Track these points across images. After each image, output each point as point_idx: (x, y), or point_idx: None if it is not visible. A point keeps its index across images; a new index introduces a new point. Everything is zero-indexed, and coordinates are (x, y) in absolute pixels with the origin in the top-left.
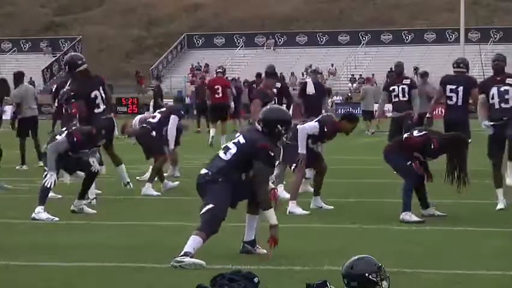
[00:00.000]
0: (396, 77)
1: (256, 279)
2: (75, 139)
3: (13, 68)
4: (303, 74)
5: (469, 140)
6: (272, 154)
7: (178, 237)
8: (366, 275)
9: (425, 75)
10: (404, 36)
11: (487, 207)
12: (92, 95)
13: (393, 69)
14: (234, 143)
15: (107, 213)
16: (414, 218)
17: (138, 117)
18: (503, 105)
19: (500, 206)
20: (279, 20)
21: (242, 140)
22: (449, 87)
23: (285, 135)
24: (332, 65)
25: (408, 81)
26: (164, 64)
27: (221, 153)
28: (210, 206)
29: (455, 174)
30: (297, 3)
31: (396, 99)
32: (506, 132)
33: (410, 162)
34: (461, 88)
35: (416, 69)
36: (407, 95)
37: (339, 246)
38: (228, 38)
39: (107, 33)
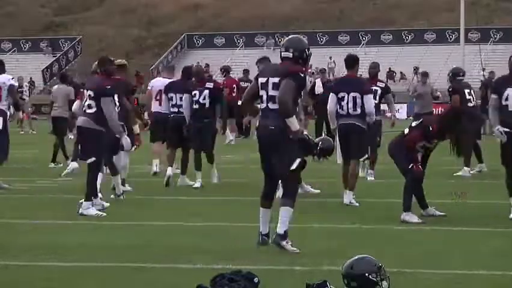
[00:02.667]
0: (370, 79)
1: (256, 279)
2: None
3: (13, 68)
4: None
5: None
6: (302, 75)
7: (178, 237)
8: (366, 275)
9: (425, 75)
10: (404, 36)
11: (487, 207)
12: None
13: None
14: (272, 89)
15: (107, 213)
16: (415, 219)
17: None
18: None
19: None
20: (279, 20)
21: (276, 80)
22: None
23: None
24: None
25: (382, 85)
26: (164, 64)
27: (270, 105)
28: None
29: (459, 147)
30: (297, 3)
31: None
32: None
33: (411, 164)
34: None
35: (416, 69)
36: (377, 98)
37: (339, 246)
38: (228, 38)
39: (107, 33)
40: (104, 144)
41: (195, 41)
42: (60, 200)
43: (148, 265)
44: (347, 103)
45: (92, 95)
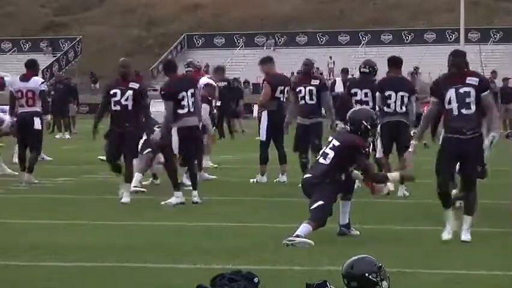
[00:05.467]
0: (303, 77)
1: (256, 279)
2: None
3: (13, 68)
4: None
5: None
6: (366, 149)
7: (178, 237)
8: (366, 275)
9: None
10: (404, 36)
11: (487, 207)
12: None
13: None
14: (330, 148)
15: (107, 213)
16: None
17: None
18: (463, 111)
19: (445, 236)
20: (279, 20)
21: (336, 143)
22: None
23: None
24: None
25: (317, 82)
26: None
27: (321, 159)
28: (320, 202)
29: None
30: (297, 3)
31: (303, 102)
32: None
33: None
34: None
35: (416, 69)
36: (315, 98)
37: (339, 246)
38: (228, 38)
39: (107, 33)
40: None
41: (195, 41)
42: (60, 200)
43: (148, 265)
44: (395, 102)
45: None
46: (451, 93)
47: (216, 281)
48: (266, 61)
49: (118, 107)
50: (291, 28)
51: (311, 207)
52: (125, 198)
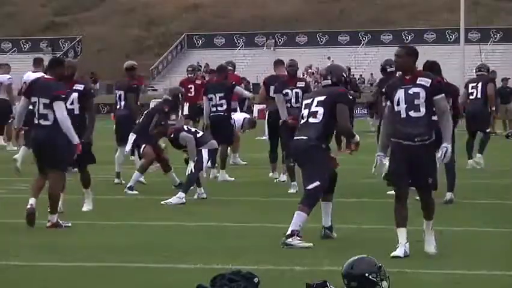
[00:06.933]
0: (290, 79)
1: (256, 279)
2: None
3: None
4: (303, 74)
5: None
6: (350, 96)
7: (178, 237)
8: (366, 275)
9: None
10: (404, 36)
11: (487, 207)
12: None
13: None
14: (316, 106)
15: (107, 213)
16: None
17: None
18: (412, 113)
19: (398, 252)
20: (279, 20)
21: (321, 98)
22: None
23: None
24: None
25: (302, 84)
26: (164, 64)
27: (311, 119)
28: (317, 183)
29: None
30: (297, 3)
31: (288, 105)
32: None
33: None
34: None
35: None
36: (300, 101)
37: (339, 246)
38: (228, 38)
39: (107, 33)
40: None
41: (195, 41)
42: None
43: (148, 265)
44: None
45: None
46: (399, 94)
47: (216, 281)
48: (276, 63)
49: None
50: (291, 28)
51: (308, 187)
52: (87, 206)
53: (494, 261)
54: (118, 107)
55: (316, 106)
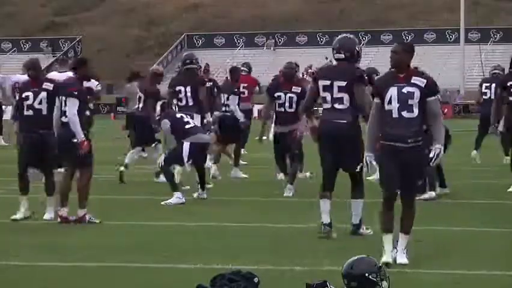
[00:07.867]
0: (284, 82)
1: (256, 279)
2: None
3: (13, 68)
4: (303, 74)
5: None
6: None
7: (178, 237)
8: (366, 275)
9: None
10: (404, 36)
11: (486, 207)
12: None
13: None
14: (339, 91)
15: (107, 213)
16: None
17: None
18: (405, 114)
19: (385, 258)
20: (279, 20)
21: (342, 83)
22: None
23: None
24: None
25: (298, 90)
26: (164, 64)
27: (337, 105)
28: (361, 165)
29: None
30: (297, 3)
31: (281, 109)
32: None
33: None
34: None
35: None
36: (295, 106)
37: (339, 246)
38: (228, 38)
39: (107, 33)
40: None
41: (195, 41)
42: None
43: (148, 265)
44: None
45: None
46: (392, 92)
47: (216, 281)
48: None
49: (30, 112)
50: (291, 28)
51: (357, 170)
52: (48, 214)
53: (494, 261)
54: (136, 107)
55: (339, 92)
